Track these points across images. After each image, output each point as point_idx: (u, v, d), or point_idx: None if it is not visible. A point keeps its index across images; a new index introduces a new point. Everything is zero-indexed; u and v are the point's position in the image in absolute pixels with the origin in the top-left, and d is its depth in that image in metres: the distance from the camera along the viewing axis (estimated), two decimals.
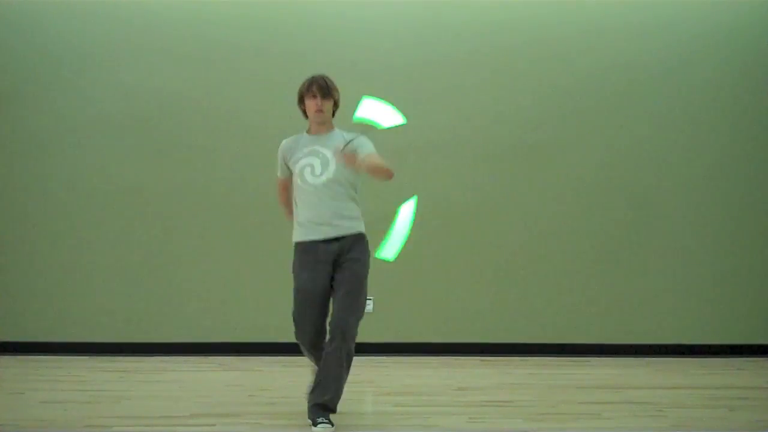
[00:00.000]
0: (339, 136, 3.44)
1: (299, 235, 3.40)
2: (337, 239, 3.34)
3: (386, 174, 3.38)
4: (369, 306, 4.93)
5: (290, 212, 3.54)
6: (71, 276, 4.90)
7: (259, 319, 4.89)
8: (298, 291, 3.36)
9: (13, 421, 3.41)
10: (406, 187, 4.96)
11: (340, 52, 4.94)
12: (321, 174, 3.34)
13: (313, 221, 3.35)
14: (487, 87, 5.01)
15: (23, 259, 4.90)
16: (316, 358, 3.43)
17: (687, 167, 5.05)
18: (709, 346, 5.02)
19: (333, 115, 3.49)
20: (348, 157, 3.23)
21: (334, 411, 3.34)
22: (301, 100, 3.46)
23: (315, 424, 3.21)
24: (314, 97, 3.38)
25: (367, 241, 3.45)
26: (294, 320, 3.37)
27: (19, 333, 4.88)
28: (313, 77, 3.42)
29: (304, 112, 3.46)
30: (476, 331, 4.99)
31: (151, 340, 4.90)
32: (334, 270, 3.35)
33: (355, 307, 3.33)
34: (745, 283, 5.05)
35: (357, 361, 4.65)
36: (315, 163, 3.36)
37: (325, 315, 3.40)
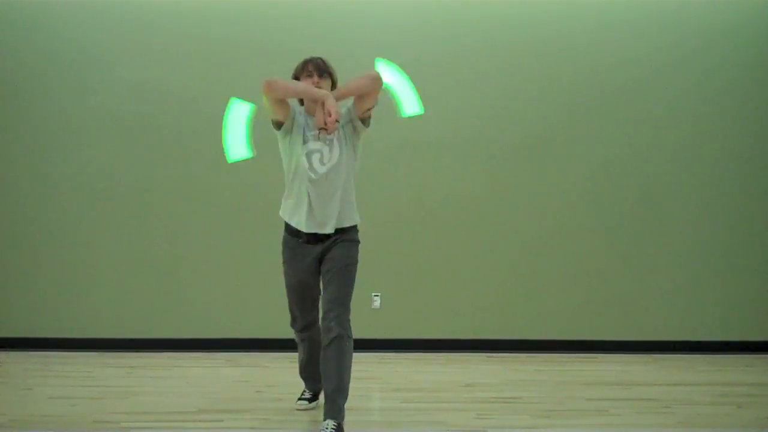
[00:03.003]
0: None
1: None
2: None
3: (368, 84, 3.15)
4: (377, 302, 4.94)
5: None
6: (78, 273, 4.92)
7: (266, 315, 4.90)
8: None
9: (21, 416, 3.43)
10: (412, 184, 4.97)
11: (343, 49, 4.91)
12: (328, 161, 3.22)
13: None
14: (493, 83, 5.00)
15: (31, 257, 4.92)
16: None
17: (695, 163, 5.03)
18: (717, 343, 5.00)
19: None
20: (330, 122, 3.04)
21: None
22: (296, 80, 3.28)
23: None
24: (310, 76, 3.23)
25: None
26: None
27: (28, 329, 4.91)
28: (309, 58, 3.28)
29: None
30: (483, 328, 4.98)
31: (158, 336, 4.91)
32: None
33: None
34: (754, 279, 5.03)
35: (364, 357, 4.69)
36: (324, 150, 3.23)
37: None
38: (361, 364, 4.54)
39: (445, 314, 4.99)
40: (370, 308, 4.92)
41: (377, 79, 3.17)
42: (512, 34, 4.98)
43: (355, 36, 4.95)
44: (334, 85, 3.31)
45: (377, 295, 4.94)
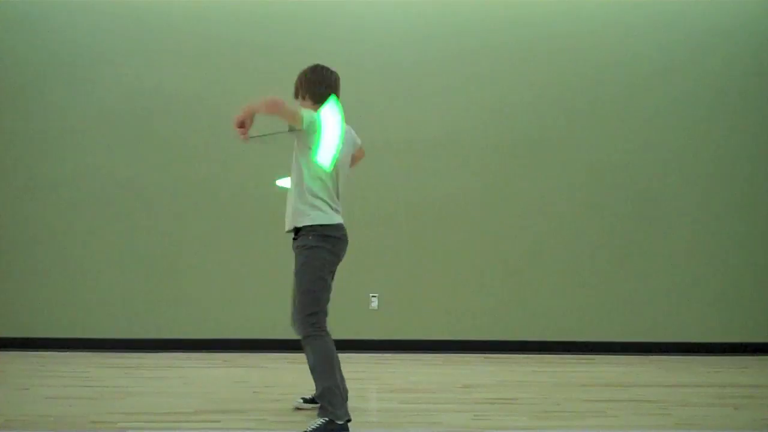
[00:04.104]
0: None
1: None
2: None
3: (275, 111, 3.15)
4: (374, 303, 4.94)
5: None
6: (76, 273, 4.91)
7: (264, 316, 4.90)
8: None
9: (18, 416, 3.42)
10: (409, 185, 4.97)
11: (342, 49, 4.93)
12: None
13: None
14: (491, 84, 5.00)
15: (28, 256, 4.91)
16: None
17: (693, 165, 5.04)
18: (715, 344, 5.01)
19: (321, 100, 3.35)
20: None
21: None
22: None
23: None
24: None
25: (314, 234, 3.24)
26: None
27: (25, 329, 4.90)
28: None
29: None
30: (481, 329, 4.99)
31: (156, 337, 4.91)
32: None
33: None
34: (751, 280, 5.04)
35: (361, 357, 4.69)
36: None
37: None
38: (359, 364, 4.54)
39: (443, 315, 4.99)
40: (368, 309, 4.92)
41: (269, 105, 3.19)
42: (510, 37, 4.99)
43: (354, 36, 4.95)
44: (300, 92, 3.48)
45: (375, 296, 4.94)
